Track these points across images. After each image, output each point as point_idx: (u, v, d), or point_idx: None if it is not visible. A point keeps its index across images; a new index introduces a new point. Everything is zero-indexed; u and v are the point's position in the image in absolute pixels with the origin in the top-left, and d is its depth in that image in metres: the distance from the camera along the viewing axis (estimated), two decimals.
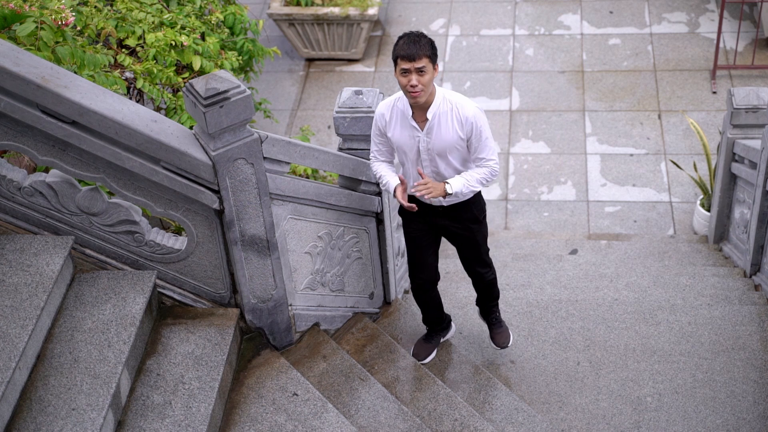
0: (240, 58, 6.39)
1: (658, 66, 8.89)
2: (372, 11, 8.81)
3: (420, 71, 3.98)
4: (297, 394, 4.21)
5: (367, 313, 5.21)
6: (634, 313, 5.47)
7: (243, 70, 6.85)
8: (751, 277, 5.96)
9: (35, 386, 3.69)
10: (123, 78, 5.45)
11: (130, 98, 5.68)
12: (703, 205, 7.12)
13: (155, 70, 5.53)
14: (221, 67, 5.93)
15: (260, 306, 4.40)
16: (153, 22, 5.81)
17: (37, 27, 4.55)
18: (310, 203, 4.49)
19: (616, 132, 8.28)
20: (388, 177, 4.36)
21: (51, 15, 4.64)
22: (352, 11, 8.78)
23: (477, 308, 5.11)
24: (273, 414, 4.11)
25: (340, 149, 4.77)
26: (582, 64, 9.01)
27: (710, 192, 7.02)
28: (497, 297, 4.98)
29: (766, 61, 8.66)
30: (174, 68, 5.69)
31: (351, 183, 4.78)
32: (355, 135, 4.66)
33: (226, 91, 3.77)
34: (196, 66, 5.74)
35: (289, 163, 4.24)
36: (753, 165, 5.82)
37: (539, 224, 7.56)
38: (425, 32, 4.14)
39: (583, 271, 6.20)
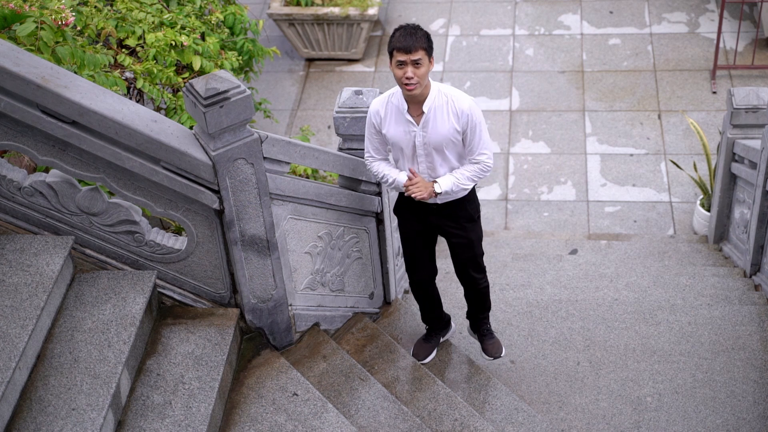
0: (240, 58, 6.39)
1: (658, 66, 8.90)
2: (372, 11, 8.81)
3: (416, 63, 3.97)
4: (297, 394, 4.21)
5: (367, 313, 5.21)
6: (634, 313, 5.47)
7: (243, 70, 6.84)
8: (751, 277, 5.96)
9: (35, 386, 3.69)
10: (123, 78, 5.45)
11: (130, 98, 5.68)
12: (703, 205, 7.12)
13: (155, 70, 5.53)
14: (221, 67, 5.93)
15: (260, 306, 4.40)
16: (153, 22, 5.81)
17: (37, 27, 4.55)
18: (310, 203, 4.49)
19: (616, 132, 8.28)
20: (394, 174, 4.35)
21: (51, 15, 4.64)
22: (352, 11, 8.78)
23: (467, 323, 5.06)
24: (273, 414, 4.11)
25: (340, 149, 4.77)
26: (582, 64, 9.01)
27: (710, 192, 7.02)
28: (489, 308, 4.92)
29: (766, 61, 8.66)
30: (174, 68, 5.69)
31: (351, 183, 4.78)
32: (355, 135, 4.65)
33: (226, 91, 3.77)
34: (196, 66, 5.74)
35: (289, 163, 4.24)
36: (753, 165, 5.82)
37: (539, 224, 7.56)
38: None
39: (583, 271, 6.20)
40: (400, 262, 5.50)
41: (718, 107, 8.35)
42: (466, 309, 5.43)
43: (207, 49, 5.87)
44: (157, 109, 5.80)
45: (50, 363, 3.79)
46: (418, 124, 4.16)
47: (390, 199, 4.98)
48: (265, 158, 4.06)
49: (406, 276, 5.52)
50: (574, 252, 6.88)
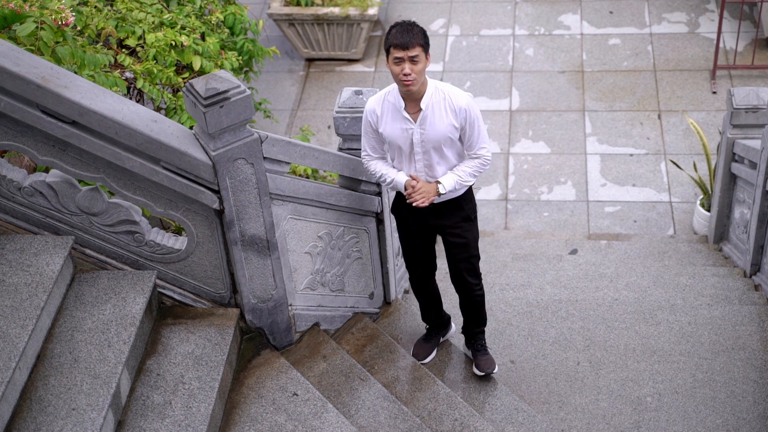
0: (240, 58, 6.39)
1: (658, 66, 8.90)
2: (372, 11, 8.81)
3: (413, 60, 3.97)
4: (297, 394, 4.21)
5: (367, 313, 5.21)
6: (634, 313, 5.47)
7: (243, 70, 6.84)
8: (751, 277, 5.96)
9: (35, 386, 3.69)
10: (123, 78, 5.45)
11: (130, 98, 5.68)
12: (703, 205, 7.12)
13: (155, 70, 5.53)
14: (221, 67, 5.93)
15: (260, 306, 4.40)
16: (153, 22, 5.81)
17: (37, 27, 4.55)
18: (310, 203, 4.49)
19: (616, 132, 8.28)
20: (392, 174, 4.34)
21: (51, 15, 4.64)
22: (352, 11, 8.78)
23: (462, 338, 5.03)
24: (273, 414, 4.11)
25: (340, 149, 4.77)
26: (582, 64, 9.01)
27: (710, 192, 7.02)
28: (484, 323, 4.87)
29: (766, 61, 8.66)
30: (174, 68, 5.69)
31: (351, 183, 4.78)
32: (355, 135, 4.65)
33: (226, 91, 3.77)
34: (196, 66, 5.74)
35: (289, 163, 4.24)
36: (753, 165, 5.82)
37: (539, 224, 7.56)
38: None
39: (583, 271, 6.20)
40: (400, 262, 5.50)
41: (718, 107, 8.35)
42: None
43: (207, 49, 5.87)
44: (157, 109, 5.80)
45: (50, 363, 3.79)
46: (415, 122, 4.16)
47: (390, 199, 4.99)
48: (265, 158, 4.06)
49: (406, 276, 5.53)
50: (574, 252, 6.88)
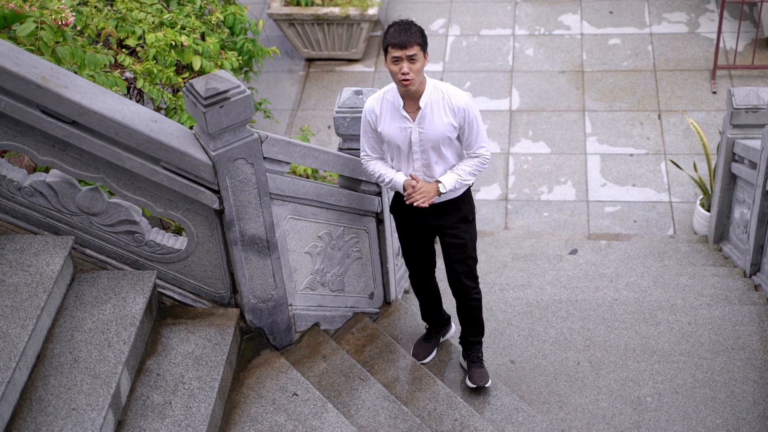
0: (240, 58, 6.39)
1: (658, 66, 8.90)
2: (372, 11, 8.81)
3: (411, 59, 3.97)
4: (297, 394, 4.21)
5: (367, 313, 5.21)
6: (634, 313, 5.47)
7: (243, 70, 6.85)
8: (751, 277, 5.96)
9: (35, 386, 3.69)
10: (123, 78, 5.45)
11: (130, 98, 5.68)
12: (703, 205, 7.12)
13: (155, 70, 5.53)
14: (221, 67, 5.93)
15: (260, 306, 4.40)
16: (153, 22, 5.81)
17: (37, 27, 4.55)
18: (310, 203, 4.49)
19: (616, 132, 8.28)
20: (391, 174, 4.34)
21: (51, 15, 4.64)
22: (352, 11, 8.78)
23: (460, 349, 5.00)
24: (273, 414, 4.11)
25: (340, 149, 4.77)
26: (582, 64, 9.01)
27: (710, 192, 7.02)
28: (481, 332, 4.83)
29: (766, 61, 8.66)
30: (174, 68, 5.69)
31: (351, 183, 4.79)
32: (356, 135, 4.65)
33: (226, 91, 3.77)
34: (196, 66, 5.74)
35: (289, 163, 4.24)
36: (753, 165, 5.82)
37: (539, 224, 7.56)
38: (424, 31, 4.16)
39: (583, 271, 6.20)
40: (400, 262, 5.50)
41: (718, 107, 8.35)
42: None
43: (207, 49, 5.87)
44: (157, 109, 5.80)
45: (50, 363, 3.79)
46: (413, 121, 4.16)
47: (390, 199, 4.99)
48: (265, 158, 4.06)
49: (406, 276, 5.53)
50: (574, 252, 6.88)
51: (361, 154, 4.43)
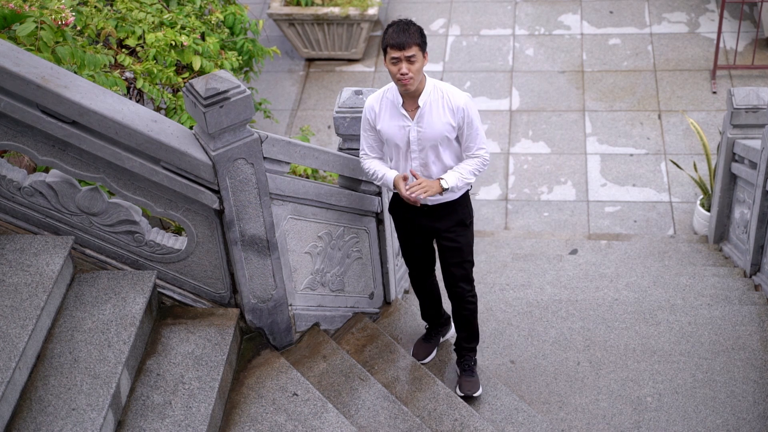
0: (240, 58, 6.39)
1: (658, 66, 8.90)
2: (372, 11, 8.81)
3: (410, 59, 3.97)
4: (297, 394, 4.21)
5: (367, 313, 5.21)
6: (634, 313, 5.47)
7: (243, 70, 6.84)
8: (751, 277, 5.96)
9: (35, 386, 3.69)
10: (123, 78, 5.45)
11: (130, 98, 5.68)
12: (703, 205, 7.12)
13: (155, 70, 5.53)
14: (221, 67, 5.93)
15: (260, 306, 4.40)
16: (153, 22, 5.81)
17: (37, 27, 4.55)
18: (310, 203, 4.49)
19: (616, 132, 8.28)
20: (384, 170, 4.32)
21: (51, 15, 4.64)
22: (352, 11, 8.78)
23: (455, 357, 4.96)
24: (273, 414, 4.11)
25: (340, 149, 4.77)
26: (582, 64, 9.01)
27: (710, 192, 7.02)
28: (476, 339, 4.81)
29: (766, 61, 8.66)
30: (174, 68, 5.69)
31: (351, 183, 4.79)
32: (355, 135, 4.65)
33: (226, 91, 3.77)
34: (196, 66, 5.74)
35: (289, 163, 4.24)
36: (753, 165, 5.82)
37: (539, 224, 7.56)
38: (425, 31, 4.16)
39: (583, 271, 6.20)
40: (400, 262, 5.50)
41: (718, 107, 8.35)
42: None
43: (207, 49, 5.87)
44: (157, 109, 5.80)
45: (50, 363, 3.79)
46: (412, 119, 4.16)
47: (390, 198, 4.99)
48: (265, 158, 4.06)
49: (406, 276, 5.53)
50: (574, 252, 6.88)
51: (360, 152, 4.43)
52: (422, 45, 4.01)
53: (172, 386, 3.96)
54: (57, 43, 4.65)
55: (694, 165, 7.29)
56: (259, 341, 4.50)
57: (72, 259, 4.20)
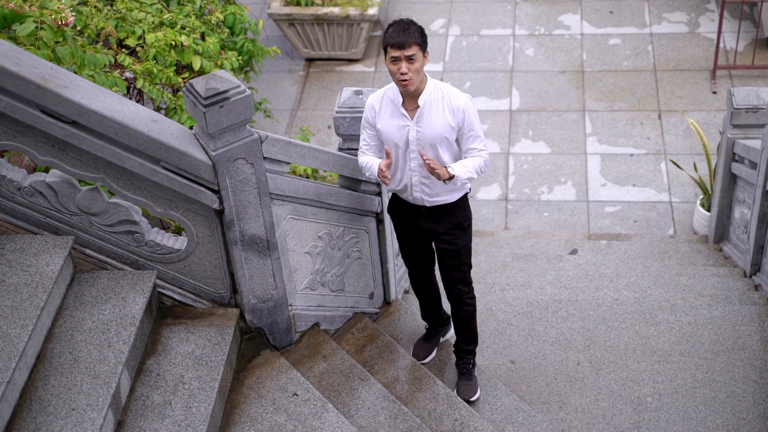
0: (240, 58, 6.39)
1: (658, 66, 8.90)
2: (372, 11, 8.81)
3: (410, 59, 3.97)
4: (297, 394, 4.21)
5: (367, 313, 5.21)
6: (634, 313, 5.47)
7: (243, 70, 6.84)
8: (751, 277, 5.96)
9: (35, 386, 3.69)
10: (123, 78, 5.45)
11: (130, 98, 5.68)
12: (703, 205, 7.12)
13: (155, 70, 5.53)
14: (221, 67, 5.93)
15: (260, 306, 4.40)
16: (153, 22, 5.81)
17: (37, 27, 4.55)
18: (310, 203, 4.49)
19: (616, 132, 8.28)
20: (372, 161, 4.31)
21: (51, 15, 4.64)
22: (352, 11, 8.78)
23: (454, 358, 4.95)
24: (273, 414, 4.11)
25: (340, 149, 4.77)
26: (582, 64, 9.01)
27: (710, 192, 7.02)
28: (474, 340, 4.80)
29: (766, 61, 8.66)
30: (174, 68, 5.69)
31: (351, 183, 4.78)
32: (355, 135, 4.65)
33: (226, 91, 3.77)
34: (196, 66, 5.74)
35: (289, 163, 4.24)
36: (753, 165, 5.82)
37: (539, 224, 7.56)
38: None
39: (583, 271, 6.20)
40: (400, 262, 5.50)
41: (718, 107, 8.35)
42: None
43: (207, 49, 5.87)
44: (157, 109, 5.80)
45: (50, 363, 3.79)
46: (412, 119, 4.16)
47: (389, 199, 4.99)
48: (265, 158, 4.06)
49: (406, 276, 5.53)
50: (574, 252, 6.88)
51: (359, 150, 4.43)
52: (422, 45, 4.00)
53: (172, 386, 3.96)
54: (57, 43, 4.65)
55: (694, 165, 7.29)
56: (259, 341, 4.50)
57: (72, 259, 4.20)
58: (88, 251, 4.28)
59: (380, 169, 4.14)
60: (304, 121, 8.61)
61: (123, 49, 5.68)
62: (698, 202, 7.16)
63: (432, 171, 4.04)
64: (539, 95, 8.73)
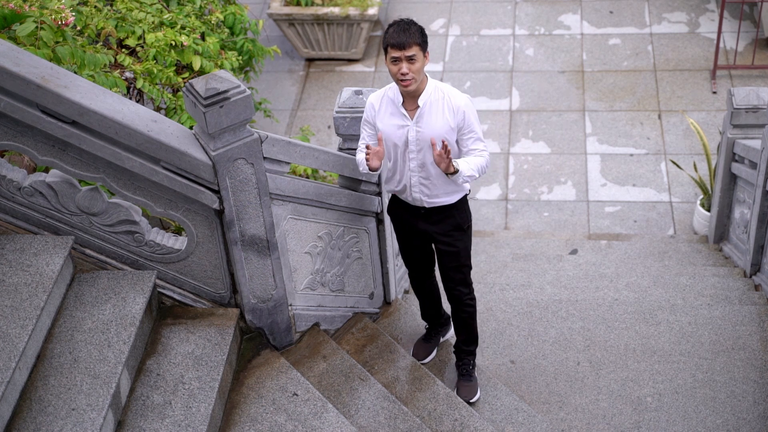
0: (240, 58, 6.38)
1: (658, 66, 8.89)
2: (372, 11, 8.81)
3: (410, 59, 3.97)
4: (297, 394, 4.21)
5: (367, 313, 5.21)
6: (634, 313, 5.47)
7: (243, 70, 6.84)
8: (751, 277, 5.96)
9: (35, 386, 3.69)
10: (123, 78, 5.45)
11: (130, 98, 5.68)
12: (703, 205, 7.12)
13: (155, 70, 5.53)
14: (221, 67, 5.93)
15: (260, 306, 4.40)
16: (153, 22, 5.81)
17: (37, 27, 4.55)
18: (310, 203, 4.49)
19: (616, 132, 8.28)
20: (362, 155, 4.31)
21: (51, 15, 4.64)
22: (352, 11, 8.78)
23: (454, 359, 4.94)
24: (273, 414, 4.11)
25: (340, 149, 4.77)
26: (582, 64, 9.01)
27: (710, 192, 7.02)
28: (475, 342, 4.80)
29: (766, 61, 8.66)
30: (174, 68, 5.68)
31: (351, 183, 4.78)
32: (355, 135, 4.65)
33: (226, 91, 3.77)
34: (196, 66, 5.74)
35: (289, 163, 4.24)
36: (753, 165, 5.82)
37: (539, 224, 7.56)
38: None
39: (583, 271, 6.20)
40: (400, 262, 5.50)
41: (718, 107, 8.35)
42: None
43: (207, 49, 5.87)
44: (157, 109, 5.80)
45: (50, 363, 3.79)
46: (412, 119, 4.16)
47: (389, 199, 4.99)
48: (265, 158, 4.06)
49: (406, 276, 5.53)
50: (574, 252, 6.88)
51: (358, 149, 4.44)
52: (423, 45, 4.00)
53: (172, 386, 3.96)
54: (57, 43, 4.65)
55: (694, 165, 7.29)
56: (259, 341, 4.50)
57: (72, 259, 4.20)
58: (88, 251, 4.28)
59: (367, 146, 4.09)
60: (304, 121, 8.61)
61: (123, 49, 5.68)
62: (698, 202, 7.16)
63: (441, 158, 4.00)
64: (539, 95, 8.73)
